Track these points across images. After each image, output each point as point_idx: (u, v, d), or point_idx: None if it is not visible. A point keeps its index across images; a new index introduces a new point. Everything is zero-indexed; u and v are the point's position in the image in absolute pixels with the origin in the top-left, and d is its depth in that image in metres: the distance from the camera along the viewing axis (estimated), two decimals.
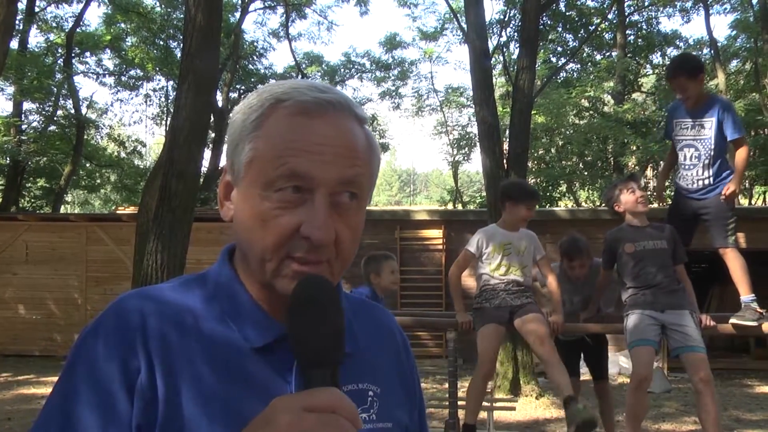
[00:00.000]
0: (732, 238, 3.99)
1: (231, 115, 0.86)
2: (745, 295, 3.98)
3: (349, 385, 0.85)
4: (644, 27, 20.69)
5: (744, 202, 20.38)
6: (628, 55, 19.39)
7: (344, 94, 0.83)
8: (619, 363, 9.57)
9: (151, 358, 0.76)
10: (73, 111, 17.87)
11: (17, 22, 12.53)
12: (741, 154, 4.06)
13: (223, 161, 0.89)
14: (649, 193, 4.05)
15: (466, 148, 22.38)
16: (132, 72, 20.75)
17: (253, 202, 0.79)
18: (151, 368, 0.76)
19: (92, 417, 0.74)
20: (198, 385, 0.76)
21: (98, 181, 21.16)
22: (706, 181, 4.04)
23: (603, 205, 4.23)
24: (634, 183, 4.05)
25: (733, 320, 3.98)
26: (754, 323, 3.93)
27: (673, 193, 4.54)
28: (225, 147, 0.86)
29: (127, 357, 0.76)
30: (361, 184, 0.81)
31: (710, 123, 4.00)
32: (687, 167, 4.10)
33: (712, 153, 4.01)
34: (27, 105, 17.90)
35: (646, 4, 20.01)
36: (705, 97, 4.09)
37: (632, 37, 20.39)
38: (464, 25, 9.61)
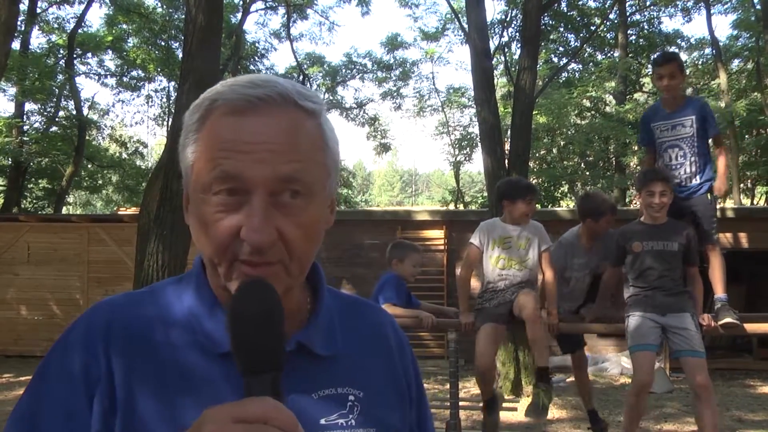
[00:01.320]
0: (716, 236, 4.09)
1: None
2: (721, 294, 4.06)
3: (327, 389, 0.83)
4: (645, 27, 20.68)
5: (746, 202, 20.34)
6: (630, 54, 19.37)
7: (287, 85, 0.78)
8: (621, 363, 9.55)
9: (111, 365, 0.77)
10: (74, 112, 17.88)
11: (19, 23, 12.56)
12: (722, 151, 4.20)
13: None
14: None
15: (468, 149, 22.36)
16: (133, 73, 20.77)
17: (197, 206, 0.78)
18: (110, 376, 0.76)
19: (55, 423, 0.75)
20: (160, 391, 0.76)
21: (100, 181, 21.17)
22: (695, 180, 4.11)
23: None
24: (658, 187, 3.84)
25: (727, 319, 3.98)
26: (738, 321, 4.01)
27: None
28: None
29: (89, 365, 0.77)
30: (305, 181, 0.76)
31: (690, 121, 4.08)
32: (674, 167, 4.15)
33: (696, 150, 4.09)
34: (29, 106, 17.91)
35: (648, 3, 19.99)
36: (682, 98, 4.20)
37: (634, 37, 20.38)
38: (465, 26, 9.61)
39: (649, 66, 20.98)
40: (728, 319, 3.97)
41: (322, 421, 0.81)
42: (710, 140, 4.20)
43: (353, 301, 0.97)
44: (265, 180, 0.74)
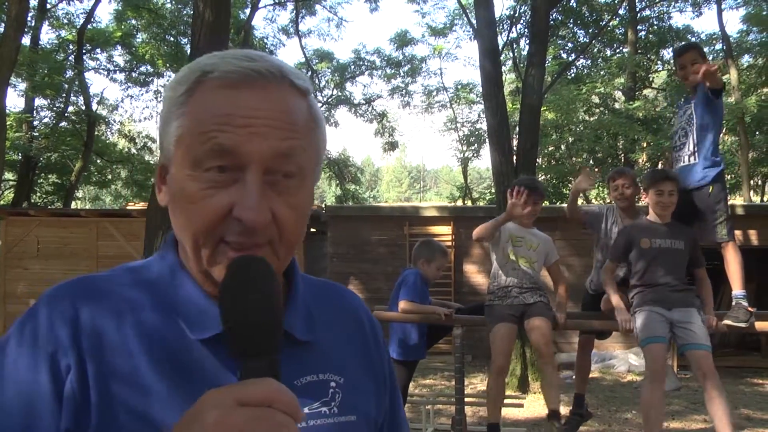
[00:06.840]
0: (724, 231, 4.00)
1: (163, 90, 0.81)
2: (737, 290, 4.01)
3: (308, 376, 0.79)
4: (655, 22, 20.54)
5: (756, 199, 20.22)
6: (639, 51, 19.25)
7: (281, 62, 0.76)
8: (628, 361, 9.53)
9: (83, 356, 0.70)
10: (83, 107, 17.95)
11: (29, 18, 12.62)
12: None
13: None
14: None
15: (476, 145, 22.30)
16: (142, 68, 20.81)
17: (183, 183, 0.73)
18: (82, 369, 0.69)
19: (14, 417, 0.68)
20: (138, 382, 0.70)
21: (109, 176, 21.26)
22: (693, 159, 4.06)
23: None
24: (668, 186, 3.91)
25: (727, 321, 3.99)
26: (746, 324, 3.96)
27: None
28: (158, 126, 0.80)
29: (56, 355, 0.69)
30: (300, 160, 0.74)
31: (696, 100, 4.07)
32: (677, 148, 4.22)
33: (695, 126, 4.05)
34: (38, 101, 18.00)
35: None
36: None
37: (643, 32, 20.25)
38: (474, 21, 9.58)
39: (659, 62, 20.94)
40: (728, 322, 3.97)
41: (306, 410, 0.77)
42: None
43: (323, 284, 0.93)
44: (261, 155, 0.71)
